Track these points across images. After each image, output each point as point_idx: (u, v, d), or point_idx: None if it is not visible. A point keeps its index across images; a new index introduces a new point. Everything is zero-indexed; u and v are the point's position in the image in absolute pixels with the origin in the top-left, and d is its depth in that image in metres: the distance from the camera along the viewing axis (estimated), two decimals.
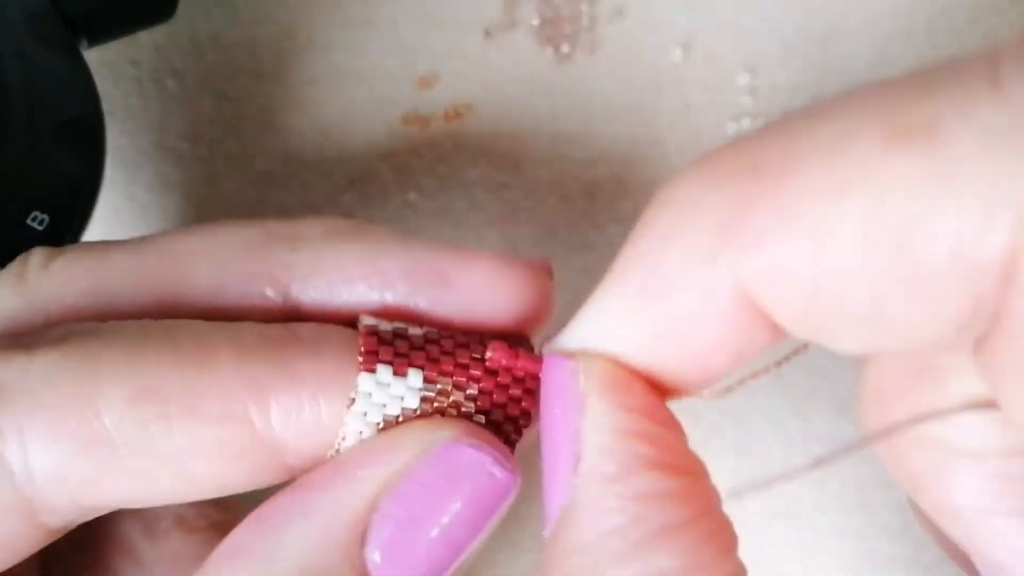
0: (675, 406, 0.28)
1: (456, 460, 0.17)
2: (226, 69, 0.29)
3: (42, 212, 0.22)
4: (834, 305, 0.14)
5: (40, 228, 0.22)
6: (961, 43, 0.28)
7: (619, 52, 0.29)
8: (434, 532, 0.17)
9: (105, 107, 0.23)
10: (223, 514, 0.22)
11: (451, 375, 0.18)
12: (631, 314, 0.16)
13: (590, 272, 0.29)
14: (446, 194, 0.29)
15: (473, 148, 0.29)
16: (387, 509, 0.17)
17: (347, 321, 0.19)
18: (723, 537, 0.16)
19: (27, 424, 0.17)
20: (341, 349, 0.18)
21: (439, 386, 0.18)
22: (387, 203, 0.29)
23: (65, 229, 0.22)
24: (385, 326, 0.19)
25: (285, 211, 0.29)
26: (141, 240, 0.20)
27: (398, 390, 0.18)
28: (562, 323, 0.20)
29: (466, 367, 0.18)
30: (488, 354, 0.18)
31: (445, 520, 0.17)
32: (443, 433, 0.18)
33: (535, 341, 0.19)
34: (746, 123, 0.29)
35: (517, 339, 0.19)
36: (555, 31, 0.29)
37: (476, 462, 0.18)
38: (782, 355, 0.19)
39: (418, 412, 0.18)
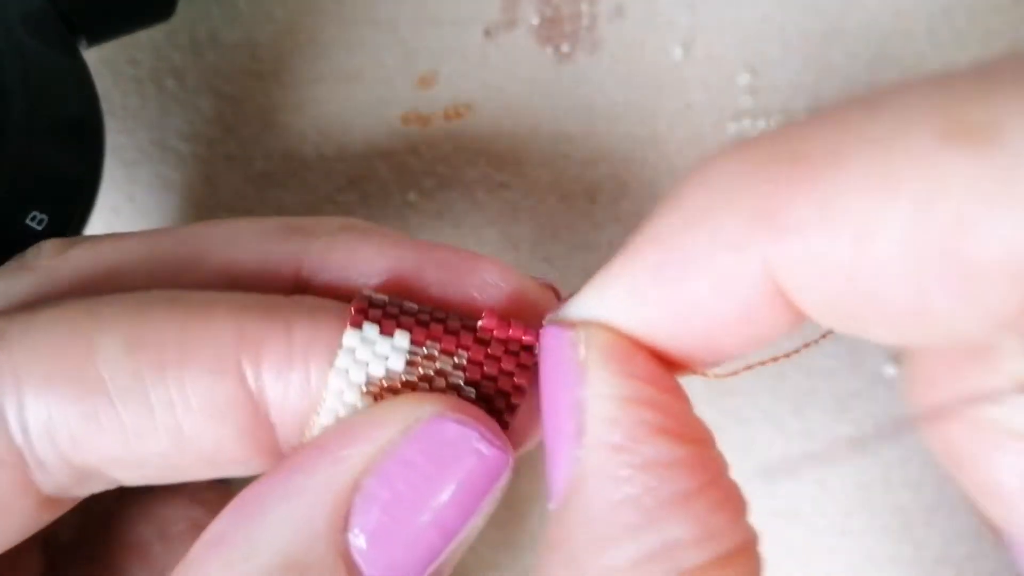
0: None
1: (441, 436, 0.17)
2: (226, 69, 0.29)
3: (41, 212, 0.22)
4: (873, 298, 0.14)
5: (39, 228, 0.22)
6: (961, 43, 0.28)
7: (619, 51, 0.29)
8: (422, 514, 0.17)
9: (104, 106, 0.23)
10: None
11: (439, 340, 0.18)
12: (643, 290, 0.16)
13: (590, 272, 0.29)
14: (446, 194, 0.29)
15: (473, 148, 0.29)
16: (370, 490, 0.17)
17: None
18: (733, 504, 0.16)
19: (23, 369, 0.17)
20: (338, 316, 0.18)
21: (426, 350, 0.18)
22: (387, 203, 0.29)
23: (64, 229, 0.22)
24: (382, 295, 0.18)
25: (284, 211, 0.29)
26: (157, 230, 0.20)
27: (383, 349, 0.17)
28: None
29: (456, 333, 0.18)
30: (479, 323, 0.18)
31: (432, 501, 0.17)
32: (427, 408, 0.17)
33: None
34: (746, 123, 0.29)
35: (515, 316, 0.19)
36: (555, 30, 0.29)
37: (462, 438, 0.17)
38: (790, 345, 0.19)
39: (403, 376, 0.18)
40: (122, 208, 0.29)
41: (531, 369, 0.18)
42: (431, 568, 0.17)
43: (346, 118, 0.29)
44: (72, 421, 0.17)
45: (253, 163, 0.29)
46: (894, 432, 0.16)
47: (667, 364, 0.17)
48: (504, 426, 0.18)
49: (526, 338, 0.18)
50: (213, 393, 0.17)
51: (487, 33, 0.29)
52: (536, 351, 0.18)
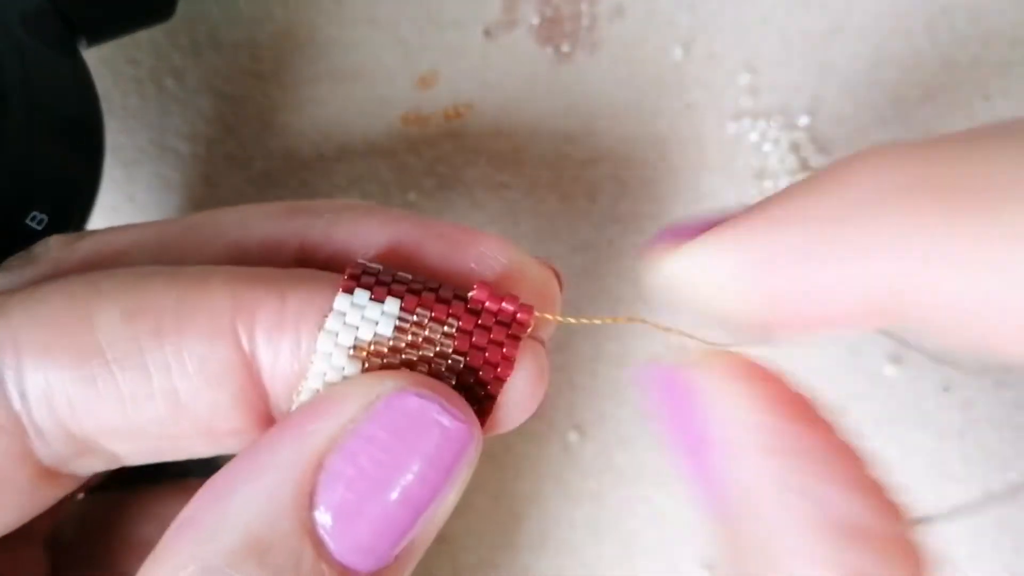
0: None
1: (402, 410, 0.17)
2: (225, 69, 0.29)
3: (41, 212, 0.22)
4: (1013, 332, 0.14)
5: (39, 228, 0.22)
6: (961, 43, 0.28)
7: (619, 51, 0.29)
8: (387, 490, 0.17)
9: (104, 106, 0.23)
10: None
11: (430, 308, 0.18)
12: (772, 264, 0.16)
13: (590, 272, 0.29)
14: (446, 194, 0.29)
15: (473, 148, 0.29)
16: (334, 467, 0.17)
17: None
18: (886, 490, 0.17)
19: (22, 337, 0.17)
20: (332, 285, 0.18)
21: (416, 317, 0.18)
22: (387, 202, 0.29)
23: (64, 228, 0.22)
24: (376, 264, 0.18)
25: None
26: (164, 219, 0.20)
27: (372, 314, 0.18)
28: (561, 328, 0.20)
29: (447, 302, 0.18)
30: (471, 294, 0.18)
31: (397, 476, 0.17)
32: (388, 384, 0.17)
33: (544, 337, 0.19)
34: (746, 123, 0.29)
35: (511, 290, 0.19)
36: (555, 30, 0.29)
37: (423, 410, 0.17)
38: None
39: (391, 342, 0.18)
40: (122, 208, 0.29)
41: (519, 341, 0.18)
42: (401, 544, 0.17)
43: (346, 118, 0.29)
44: (70, 387, 0.17)
45: (253, 163, 0.29)
46: None
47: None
48: (491, 399, 0.18)
49: (521, 315, 0.18)
50: (209, 358, 0.17)
51: (487, 33, 0.29)
52: (529, 326, 0.18)
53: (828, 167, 0.16)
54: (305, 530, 0.16)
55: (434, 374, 0.18)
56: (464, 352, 0.18)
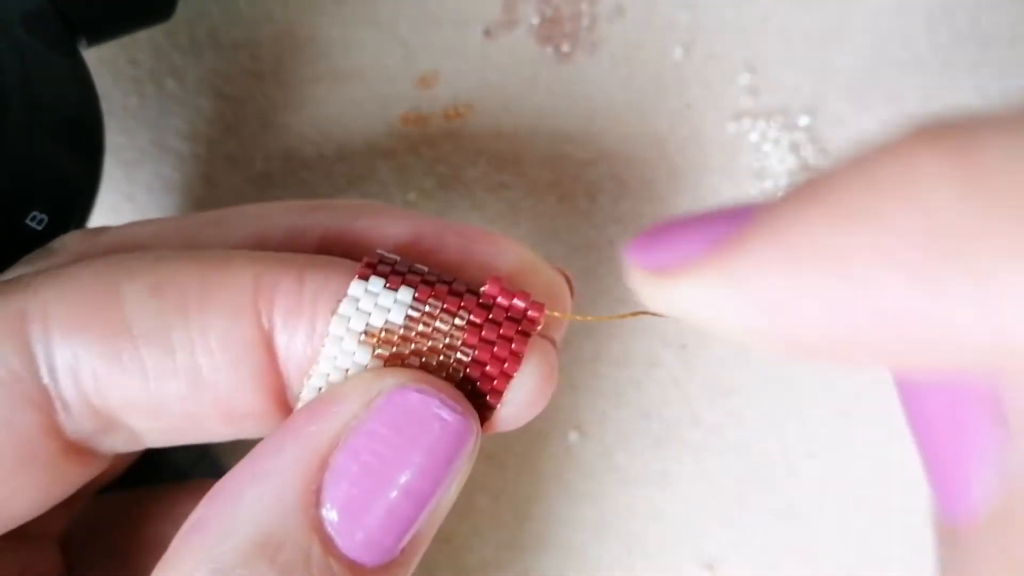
0: (673, 404, 0.28)
1: (404, 406, 0.17)
2: (226, 69, 0.29)
3: (41, 212, 0.22)
4: None
5: (39, 228, 0.22)
6: (960, 43, 0.28)
7: (619, 51, 0.29)
8: (391, 484, 0.17)
9: (104, 106, 0.23)
10: None
11: (442, 299, 0.18)
12: (788, 311, 0.12)
13: (590, 272, 0.29)
14: (446, 194, 0.29)
15: (473, 148, 0.29)
16: (339, 464, 0.17)
17: None
18: None
19: (51, 311, 0.18)
20: (350, 271, 0.18)
21: (428, 308, 0.18)
22: (387, 202, 0.29)
23: (64, 229, 0.22)
24: (394, 255, 0.19)
25: None
26: (186, 214, 0.21)
27: (385, 301, 0.18)
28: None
29: (459, 295, 0.18)
30: (483, 288, 0.18)
31: (401, 471, 0.17)
32: (389, 381, 0.18)
33: (555, 337, 0.19)
34: (746, 123, 0.29)
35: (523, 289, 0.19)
36: (555, 30, 0.29)
37: (423, 405, 0.17)
38: None
39: (401, 330, 0.18)
40: (122, 208, 0.29)
41: (530, 339, 0.18)
42: (406, 538, 0.17)
43: (346, 118, 0.29)
44: (96, 361, 0.18)
45: (253, 163, 0.29)
46: None
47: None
48: (497, 394, 0.18)
49: (531, 311, 0.18)
50: (232, 335, 0.18)
51: (487, 33, 0.29)
52: (539, 323, 0.18)
53: (855, 163, 0.12)
54: (313, 528, 0.17)
55: (443, 365, 0.18)
56: (473, 345, 0.18)
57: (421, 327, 0.18)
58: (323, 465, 0.17)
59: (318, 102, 0.29)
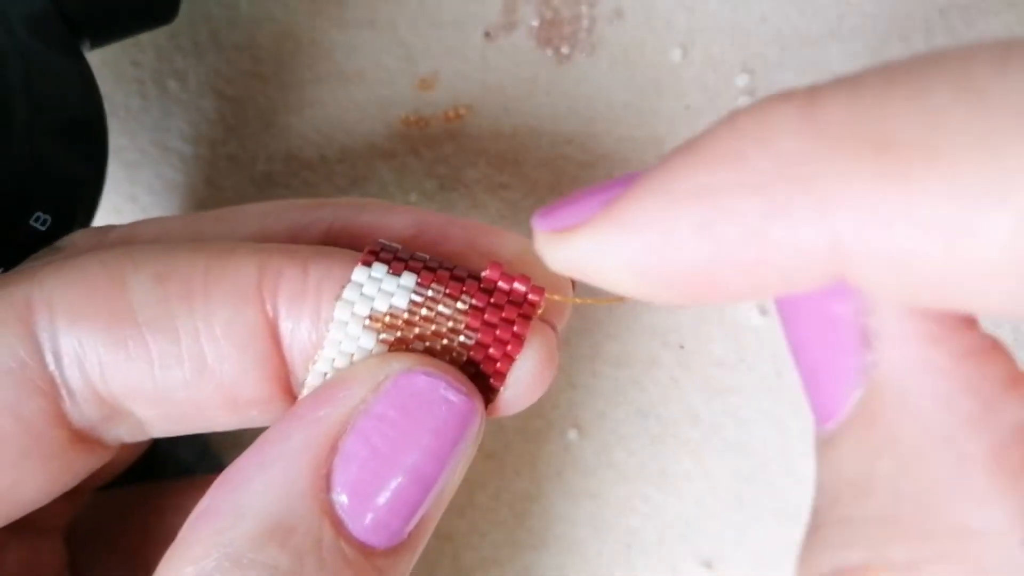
0: (671, 403, 0.28)
1: (411, 389, 0.17)
2: (227, 70, 0.29)
3: (44, 213, 0.22)
4: (954, 291, 0.13)
5: (43, 229, 0.22)
6: (959, 44, 0.29)
7: (618, 53, 0.29)
8: (399, 466, 0.17)
9: (107, 108, 0.23)
10: None
11: (445, 284, 0.18)
12: (677, 239, 0.14)
13: None
14: (446, 194, 0.29)
15: (473, 149, 0.29)
16: (349, 448, 0.17)
17: None
18: None
19: (57, 298, 0.18)
20: (353, 260, 0.19)
21: (430, 292, 0.18)
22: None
23: (68, 230, 0.22)
24: (396, 244, 0.19)
25: None
26: (192, 213, 0.21)
27: (389, 286, 0.18)
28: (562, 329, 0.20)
29: (461, 280, 0.18)
30: (484, 273, 0.19)
31: (409, 453, 0.17)
32: (395, 365, 0.18)
33: (556, 323, 0.20)
34: None
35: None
36: (555, 32, 0.29)
37: (430, 388, 0.17)
38: None
39: (405, 315, 0.18)
40: (124, 209, 0.29)
41: (530, 321, 0.18)
42: (413, 521, 0.17)
43: (347, 119, 0.29)
44: (101, 349, 0.18)
45: (255, 164, 0.29)
46: None
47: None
48: (500, 376, 0.19)
49: (532, 295, 0.18)
50: (236, 321, 0.18)
51: (487, 35, 0.29)
52: (539, 306, 0.18)
53: (723, 121, 0.14)
54: (324, 511, 0.17)
55: (446, 349, 0.18)
56: (476, 328, 0.18)
57: (424, 311, 0.18)
58: (333, 449, 0.17)
59: (319, 103, 0.29)
